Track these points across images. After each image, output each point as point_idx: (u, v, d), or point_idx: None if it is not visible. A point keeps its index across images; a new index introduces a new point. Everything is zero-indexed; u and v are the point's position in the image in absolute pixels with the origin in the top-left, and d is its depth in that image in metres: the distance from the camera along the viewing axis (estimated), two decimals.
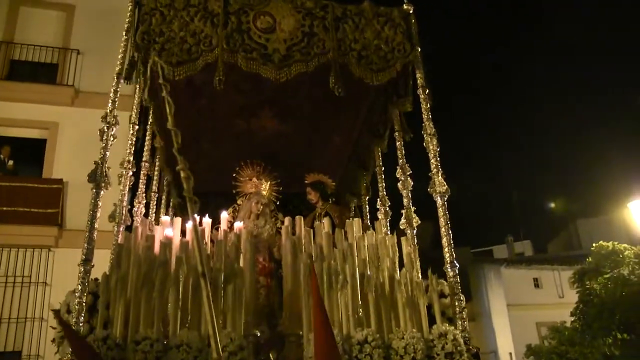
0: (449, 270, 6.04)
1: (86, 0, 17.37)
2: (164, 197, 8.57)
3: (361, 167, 9.20)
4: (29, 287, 13.95)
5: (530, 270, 19.37)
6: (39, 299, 13.79)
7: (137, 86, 6.98)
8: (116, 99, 6.03)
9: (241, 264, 5.59)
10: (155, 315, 4.83)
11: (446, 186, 6.30)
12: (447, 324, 5.63)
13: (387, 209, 8.01)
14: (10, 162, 15.54)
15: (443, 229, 6.19)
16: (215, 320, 2.03)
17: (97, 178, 5.45)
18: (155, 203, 8.21)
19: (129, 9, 6.36)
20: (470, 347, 5.65)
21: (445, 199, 6.28)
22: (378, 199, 8.17)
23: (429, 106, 6.72)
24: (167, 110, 2.37)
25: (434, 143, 6.53)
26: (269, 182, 8.09)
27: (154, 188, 8.15)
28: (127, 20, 6.35)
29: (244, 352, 4.70)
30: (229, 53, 6.25)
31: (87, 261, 5.08)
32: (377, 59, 6.76)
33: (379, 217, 8.01)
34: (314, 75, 6.66)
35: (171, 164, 8.08)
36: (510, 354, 16.66)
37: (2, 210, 14.12)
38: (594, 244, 16.67)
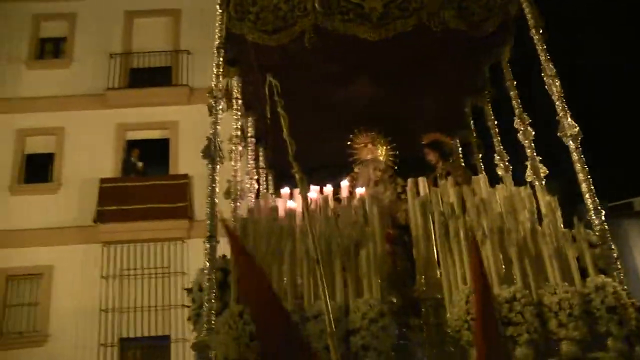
0: (594, 217, 5.31)
1: (190, 3, 17.53)
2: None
3: (467, 125, 8.52)
4: (169, 278, 14.60)
5: None
6: (179, 288, 14.13)
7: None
8: (219, 73, 5.76)
9: None
10: (288, 288, 4.44)
11: (577, 127, 5.55)
12: (602, 276, 4.90)
13: (507, 163, 7.34)
14: (140, 164, 16.05)
15: (581, 175, 5.45)
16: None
17: (211, 153, 5.09)
18: (264, 178, 7.90)
19: None
20: (634, 301, 4.88)
21: (579, 141, 5.56)
22: (495, 155, 7.49)
23: (544, 47, 5.99)
24: (282, 123, 1.97)
25: (557, 84, 5.79)
26: (384, 147, 7.56)
27: (261, 164, 7.80)
28: None
29: (385, 319, 4.19)
30: (324, 16, 5.77)
31: (211, 237, 4.76)
32: (479, 9, 6.12)
33: (499, 172, 7.34)
34: (403, 36, 6.08)
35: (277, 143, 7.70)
36: None
37: (137, 209, 14.72)
38: None
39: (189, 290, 4.97)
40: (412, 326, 5.00)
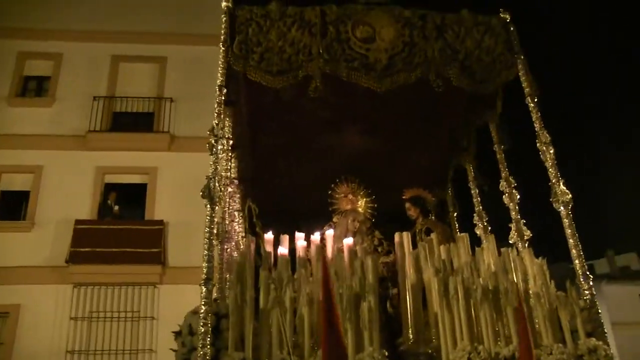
0: (583, 282, 5.31)
1: (176, 51, 17.55)
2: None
3: (445, 183, 8.47)
4: (138, 322, 14.17)
5: (635, 286, 17.69)
6: (147, 332, 13.99)
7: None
8: (221, 111, 5.59)
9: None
10: (288, 337, 4.25)
11: (570, 195, 5.58)
12: (593, 339, 4.86)
13: (485, 223, 7.29)
14: (116, 207, 15.74)
15: (571, 240, 5.45)
16: None
17: (211, 193, 4.92)
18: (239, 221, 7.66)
19: (223, 20, 5.92)
20: None
21: (570, 208, 5.58)
22: (474, 214, 7.47)
23: (539, 115, 6.06)
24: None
25: (551, 152, 5.83)
26: (364, 199, 7.46)
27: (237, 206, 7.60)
28: (222, 32, 5.89)
29: None
30: (329, 63, 5.74)
31: (208, 280, 4.48)
32: (480, 70, 6.16)
33: (477, 232, 7.32)
34: (402, 89, 6.09)
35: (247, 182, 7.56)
36: None
37: (111, 252, 14.39)
38: None
39: (178, 334, 4.71)
40: None
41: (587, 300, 5.24)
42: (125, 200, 15.95)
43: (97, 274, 14.15)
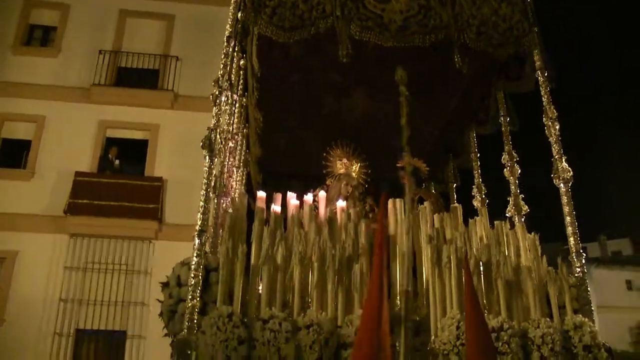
0: (576, 259, 5.24)
1: (185, 10, 17.29)
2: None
3: (449, 152, 8.42)
4: (132, 275, 14.21)
5: (624, 272, 17.76)
6: (140, 286, 14.01)
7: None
8: (227, 64, 5.42)
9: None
10: (278, 294, 4.17)
11: (571, 172, 5.48)
12: (579, 316, 4.82)
13: (483, 196, 7.23)
14: (117, 162, 15.66)
15: (568, 218, 5.36)
16: None
17: (212, 144, 4.79)
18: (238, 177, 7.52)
19: None
20: (605, 342, 4.85)
21: (570, 185, 5.49)
22: (473, 186, 7.39)
23: (549, 89, 5.91)
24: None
25: (556, 127, 5.71)
26: (358, 164, 7.36)
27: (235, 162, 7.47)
28: None
29: None
30: (343, 21, 5.53)
31: (202, 232, 4.37)
32: (497, 35, 5.96)
33: (475, 204, 7.26)
34: (412, 54, 5.90)
35: (260, 140, 7.44)
36: None
37: (109, 205, 14.40)
38: None
39: (165, 284, 4.62)
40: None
41: (577, 278, 5.18)
42: (126, 156, 15.87)
43: (94, 225, 14.14)
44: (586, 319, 4.74)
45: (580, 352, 4.52)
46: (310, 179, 7.29)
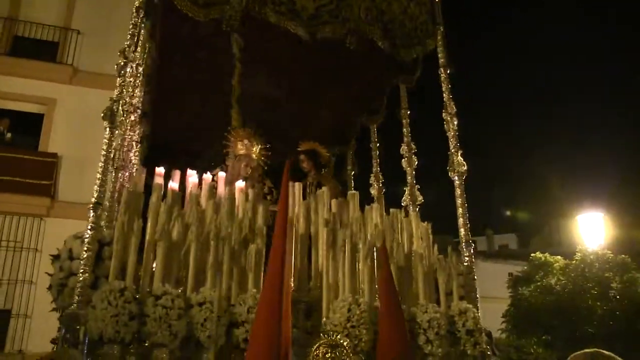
0: (465, 249, 5.51)
1: None
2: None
3: (347, 141, 8.64)
4: (20, 252, 13.59)
5: (507, 265, 18.85)
6: (29, 264, 13.41)
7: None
8: (135, 34, 5.25)
9: None
10: (172, 271, 4.08)
11: (465, 166, 5.71)
12: (464, 302, 5.04)
13: (380, 185, 7.46)
14: (9, 135, 14.96)
15: (460, 210, 5.63)
16: None
17: (112, 116, 4.61)
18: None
19: None
20: (485, 327, 5.12)
21: (463, 179, 5.72)
22: (371, 175, 7.64)
23: (449, 86, 6.15)
24: None
25: (454, 123, 5.97)
26: (259, 146, 7.36)
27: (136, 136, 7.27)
28: None
29: None
30: (256, 3, 5.50)
31: (97, 205, 4.25)
32: (401, 35, 6.19)
33: (372, 192, 7.52)
34: (319, 43, 5.96)
35: (150, 114, 7.25)
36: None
37: None
38: (532, 255, 17.24)
39: (56, 257, 4.42)
40: None
41: (466, 267, 5.41)
42: (20, 129, 15.11)
43: None
44: (470, 306, 5.00)
45: (463, 336, 4.81)
46: (210, 157, 7.20)
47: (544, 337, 15.03)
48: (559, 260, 16.22)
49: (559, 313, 14.52)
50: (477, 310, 5.16)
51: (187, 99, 7.46)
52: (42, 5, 16.18)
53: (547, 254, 16.75)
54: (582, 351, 3.32)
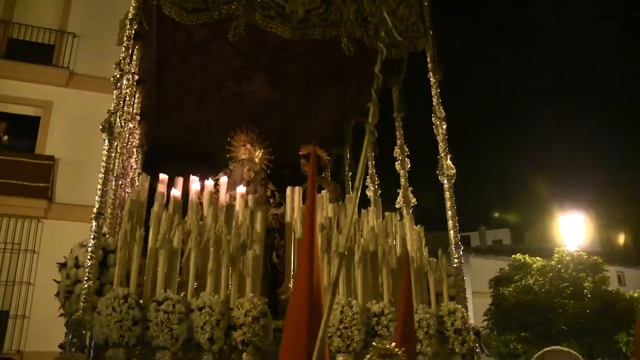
0: (454, 251, 5.68)
1: None
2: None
3: (344, 142, 8.75)
4: (18, 254, 13.64)
5: (498, 261, 19.15)
6: (27, 265, 13.49)
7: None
8: (130, 45, 5.29)
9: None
10: (173, 277, 4.25)
11: (454, 170, 5.87)
12: (454, 303, 5.22)
13: (376, 187, 7.53)
14: (6, 137, 14.97)
15: (450, 212, 5.79)
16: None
17: (111, 128, 4.72)
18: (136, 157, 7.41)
19: None
20: (473, 325, 5.29)
21: (452, 181, 5.88)
22: (367, 177, 7.65)
23: (439, 90, 6.27)
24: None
25: (443, 127, 6.10)
26: (261, 150, 7.49)
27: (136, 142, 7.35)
28: None
29: (267, 318, 4.17)
30: (246, 8, 5.60)
31: (99, 215, 4.38)
32: (392, 35, 6.20)
33: (368, 194, 7.56)
34: (313, 46, 6.18)
35: (149, 119, 7.42)
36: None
37: None
38: (513, 256, 17.93)
39: (63, 265, 4.57)
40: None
41: (455, 268, 5.57)
42: (17, 132, 15.12)
43: None
44: (459, 306, 5.20)
45: (452, 335, 5.03)
46: (213, 161, 7.39)
47: (522, 334, 15.72)
48: (537, 262, 16.87)
49: (535, 311, 15.22)
50: (467, 309, 5.34)
51: (187, 103, 7.61)
52: (38, 8, 16.12)
53: (526, 256, 17.38)
54: (544, 349, 3.51)
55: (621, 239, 34.54)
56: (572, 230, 16.38)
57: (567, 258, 15.93)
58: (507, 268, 17.48)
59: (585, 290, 15.35)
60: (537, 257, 17.25)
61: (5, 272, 13.38)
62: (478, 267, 20.90)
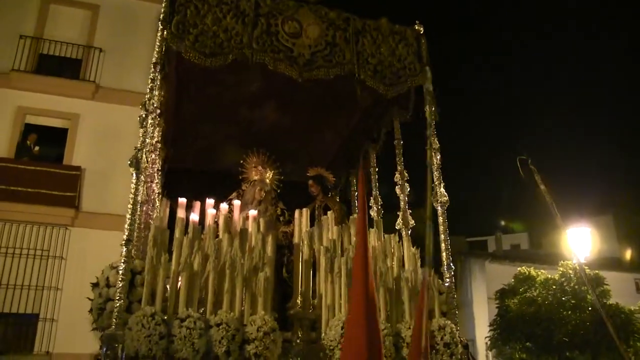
0: (446, 272, 6.17)
1: (109, 1, 17.25)
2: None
3: (349, 165, 9.23)
4: (47, 260, 14.28)
5: (513, 267, 19.42)
6: (55, 271, 14.16)
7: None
8: (154, 87, 5.79)
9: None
10: (194, 296, 4.84)
11: (447, 197, 6.38)
12: (444, 319, 5.73)
13: (379, 207, 7.98)
14: (36, 148, 15.60)
15: (443, 236, 6.28)
16: None
17: (139, 162, 5.26)
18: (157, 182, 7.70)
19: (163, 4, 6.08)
20: (462, 339, 5.77)
21: (446, 208, 6.39)
22: (371, 198, 8.11)
23: (434, 123, 6.76)
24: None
25: (437, 157, 6.58)
26: (272, 171, 7.95)
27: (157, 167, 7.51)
28: (162, 10, 6.05)
29: (276, 333, 4.76)
30: (257, 52, 6.16)
31: (129, 241, 4.92)
32: (390, 75, 6.72)
33: (372, 214, 7.98)
34: (321, 80, 6.61)
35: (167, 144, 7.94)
36: (486, 343, 17.40)
37: (26, 191, 14.36)
38: (519, 269, 18.10)
39: (95, 285, 5.18)
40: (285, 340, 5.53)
41: (447, 287, 6.09)
42: (46, 143, 15.76)
43: (11, 211, 14.02)
44: (449, 321, 5.67)
45: (441, 349, 5.45)
46: (228, 182, 7.91)
47: (527, 344, 16.05)
48: (541, 275, 17.25)
49: (538, 322, 15.58)
50: (456, 324, 5.84)
51: (203, 129, 8.19)
52: (66, 24, 16.81)
53: (532, 269, 17.76)
54: None
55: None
56: (579, 243, 16.58)
57: (571, 272, 16.26)
58: (513, 281, 17.89)
59: (587, 304, 15.56)
60: (541, 270, 17.67)
61: (35, 277, 14.01)
62: (493, 273, 21.14)
